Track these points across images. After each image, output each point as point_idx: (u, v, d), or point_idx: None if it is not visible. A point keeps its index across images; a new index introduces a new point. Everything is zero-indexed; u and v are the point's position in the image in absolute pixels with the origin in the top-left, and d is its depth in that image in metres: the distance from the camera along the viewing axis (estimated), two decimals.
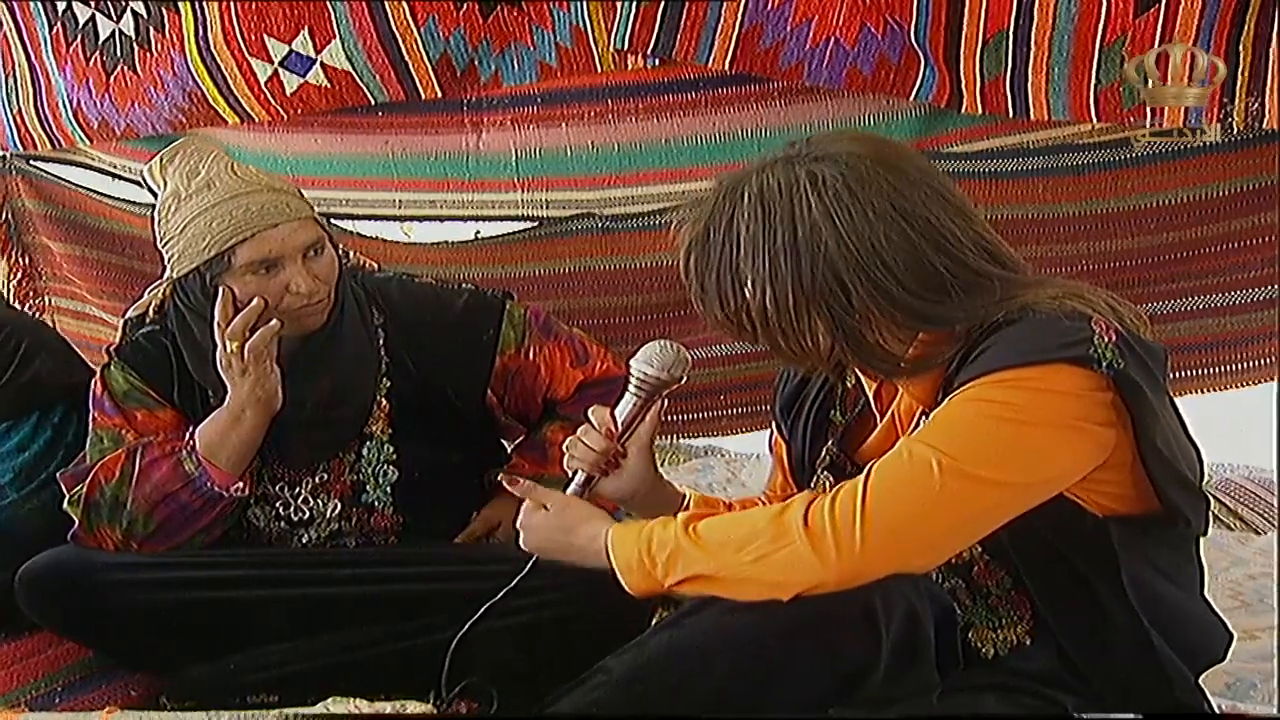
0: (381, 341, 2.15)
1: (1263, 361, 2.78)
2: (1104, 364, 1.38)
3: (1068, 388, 1.39)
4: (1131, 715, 1.51)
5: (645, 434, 1.68)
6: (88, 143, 3.05)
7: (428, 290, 2.27)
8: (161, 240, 2.03)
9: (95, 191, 3.20)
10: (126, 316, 2.24)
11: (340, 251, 2.12)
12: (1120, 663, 1.51)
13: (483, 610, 1.72)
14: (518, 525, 1.63)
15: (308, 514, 2.14)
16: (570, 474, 1.68)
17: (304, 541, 2.14)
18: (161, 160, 2.04)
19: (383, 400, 2.13)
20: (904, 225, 1.45)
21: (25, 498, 2.33)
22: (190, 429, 2.09)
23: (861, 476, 1.41)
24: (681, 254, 1.55)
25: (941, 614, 1.45)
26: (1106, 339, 1.39)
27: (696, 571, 1.44)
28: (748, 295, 1.49)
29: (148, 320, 2.18)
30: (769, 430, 1.88)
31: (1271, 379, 2.79)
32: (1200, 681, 1.58)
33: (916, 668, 1.43)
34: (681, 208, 1.57)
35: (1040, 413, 1.38)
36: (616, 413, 1.67)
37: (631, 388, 1.67)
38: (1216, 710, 1.66)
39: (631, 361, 1.67)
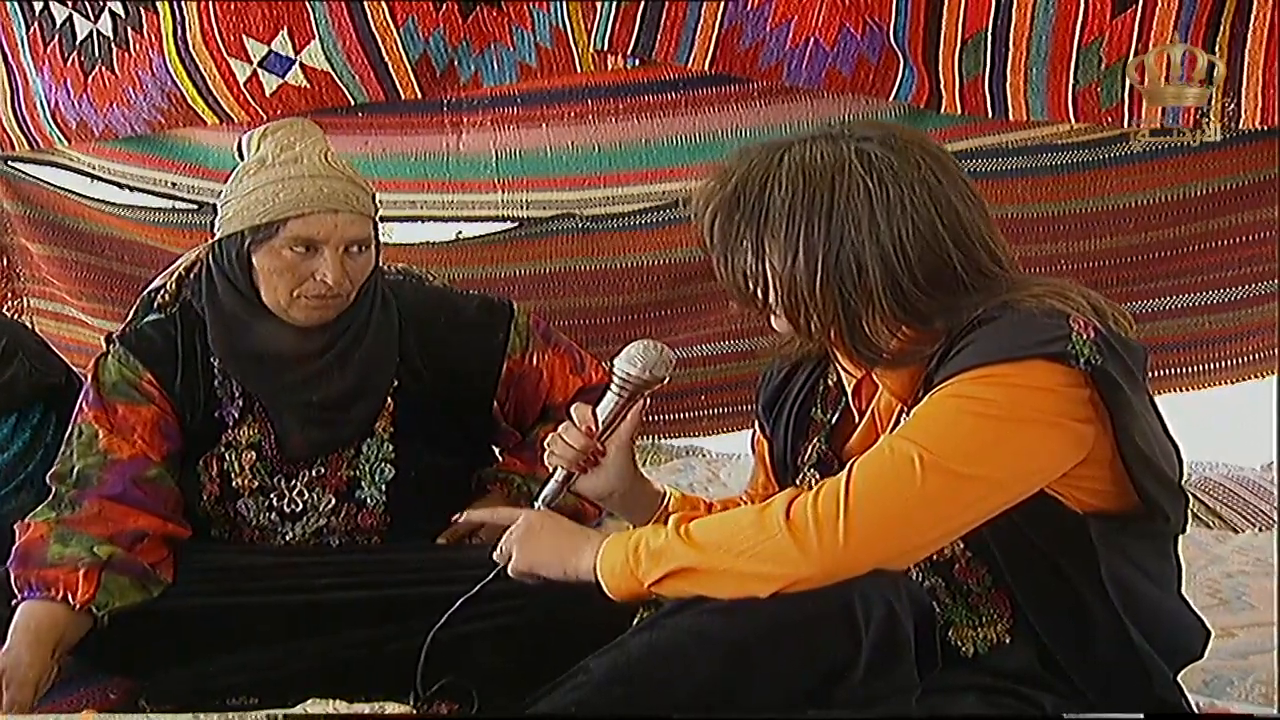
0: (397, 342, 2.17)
1: (1242, 360, 2.80)
2: (1081, 360, 1.38)
3: (1046, 384, 1.39)
4: (1132, 715, 1.51)
5: (626, 433, 1.68)
6: (66, 143, 3.04)
7: (439, 293, 2.31)
8: (222, 199, 2.05)
9: (74, 193, 3.19)
10: (141, 293, 2.26)
11: (380, 259, 2.13)
12: (1100, 659, 1.52)
13: (453, 609, 1.71)
14: (512, 541, 1.63)
15: (300, 506, 2.13)
16: (550, 470, 1.68)
17: (288, 537, 2.14)
18: (265, 130, 2.07)
19: (389, 399, 2.14)
20: (935, 216, 1.46)
21: (4, 499, 2.32)
22: (166, 443, 2.09)
23: (844, 472, 1.41)
24: (705, 216, 1.54)
25: (921, 613, 1.45)
26: (1084, 336, 1.39)
27: (678, 565, 1.44)
28: (770, 263, 1.49)
29: (155, 307, 2.20)
30: (751, 430, 1.88)
31: (1249, 378, 2.81)
32: (1178, 678, 1.59)
33: (896, 667, 1.42)
34: (705, 177, 1.56)
35: (1019, 409, 1.39)
36: (598, 411, 1.67)
37: (614, 387, 1.67)
38: (1195, 708, 1.66)
39: (615, 361, 1.67)
